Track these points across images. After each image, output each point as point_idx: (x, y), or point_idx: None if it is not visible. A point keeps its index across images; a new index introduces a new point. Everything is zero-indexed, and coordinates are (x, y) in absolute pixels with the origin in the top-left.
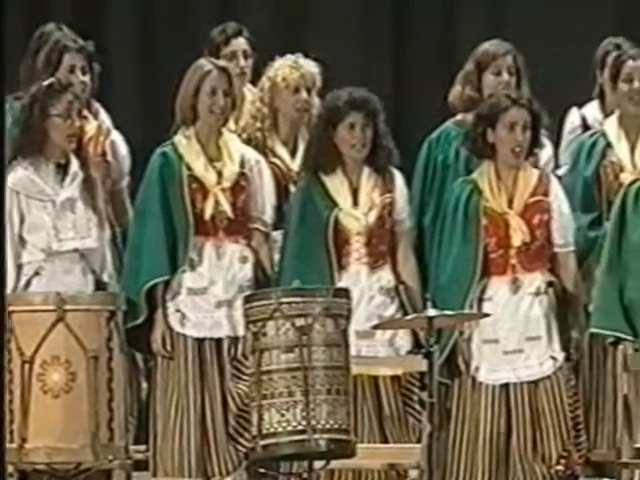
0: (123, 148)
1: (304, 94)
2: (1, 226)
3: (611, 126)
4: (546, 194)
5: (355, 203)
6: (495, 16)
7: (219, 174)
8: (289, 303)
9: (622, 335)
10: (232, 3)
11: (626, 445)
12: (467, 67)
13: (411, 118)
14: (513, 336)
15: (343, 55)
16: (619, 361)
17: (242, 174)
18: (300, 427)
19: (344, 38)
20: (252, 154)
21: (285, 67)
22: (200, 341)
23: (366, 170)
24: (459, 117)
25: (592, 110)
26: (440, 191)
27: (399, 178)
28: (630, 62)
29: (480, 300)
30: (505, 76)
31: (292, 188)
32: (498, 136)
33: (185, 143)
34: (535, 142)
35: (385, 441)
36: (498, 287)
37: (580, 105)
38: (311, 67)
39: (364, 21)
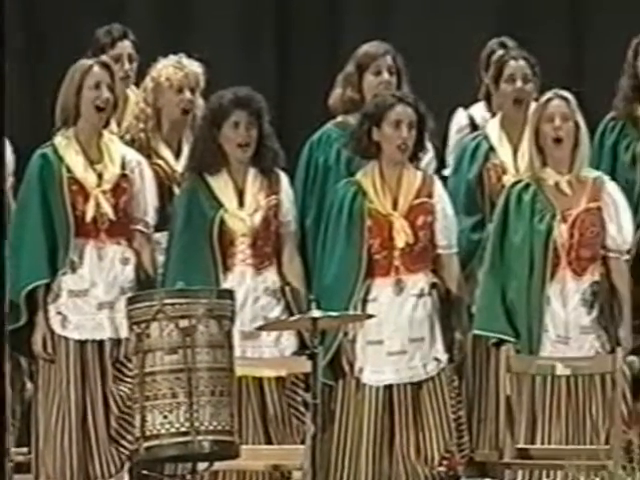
0: (7, 149)
1: (188, 94)
2: (1, 226)
3: (493, 128)
4: (430, 196)
5: (241, 204)
6: (380, 18)
7: (99, 176)
8: (172, 304)
9: (504, 337)
10: (115, 3)
11: (508, 446)
12: (347, 69)
13: (295, 119)
14: (397, 337)
15: (227, 55)
16: (502, 362)
17: (123, 176)
18: (183, 429)
19: (227, 39)
20: (133, 155)
21: (168, 67)
22: (82, 343)
23: (252, 171)
24: (340, 119)
25: (479, 110)
26: (321, 193)
27: (284, 179)
28: (512, 62)
29: (364, 301)
30: (385, 76)
31: (176, 189)
32: (384, 134)
33: (65, 144)
34: (420, 144)
35: (269, 442)
36: (382, 288)
37: (466, 106)
38: (195, 67)
39: (248, 22)
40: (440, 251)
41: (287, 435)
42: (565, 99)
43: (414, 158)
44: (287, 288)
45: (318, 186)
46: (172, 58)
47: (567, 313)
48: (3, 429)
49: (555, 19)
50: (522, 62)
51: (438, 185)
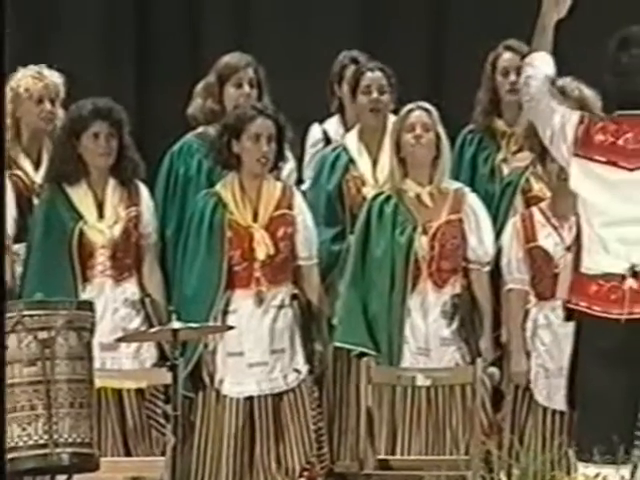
0: None
1: (48, 105)
2: (1, 226)
3: (352, 140)
4: (290, 207)
5: (100, 216)
6: (239, 30)
7: None
8: (31, 316)
9: (365, 349)
10: None
11: (369, 456)
12: (208, 79)
13: (155, 130)
14: (257, 349)
15: (86, 66)
16: (363, 373)
17: None
18: (42, 441)
19: (87, 50)
20: None
21: (28, 77)
22: None
23: (111, 182)
24: (201, 129)
25: (333, 125)
26: (182, 203)
27: (144, 191)
28: (368, 74)
29: (225, 313)
30: (246, 88)
31: (35, 200)
32: (243, 147)
33: None
34: (280, 155)
35: (129, 454)
36: (243, 300)
37: (321, 121)
38: (55, 78)
39: (107, 33)
40: (301, 262)
41: (147, 447)
42: (426, 110)
43: (274, 168)
44: (147, 300)
45: (179, 197)
46: (32, 68)
47: (427, 325)
48: (2, 431)
49: (414, 33)
50: (378, 73)
51: (298, 196)
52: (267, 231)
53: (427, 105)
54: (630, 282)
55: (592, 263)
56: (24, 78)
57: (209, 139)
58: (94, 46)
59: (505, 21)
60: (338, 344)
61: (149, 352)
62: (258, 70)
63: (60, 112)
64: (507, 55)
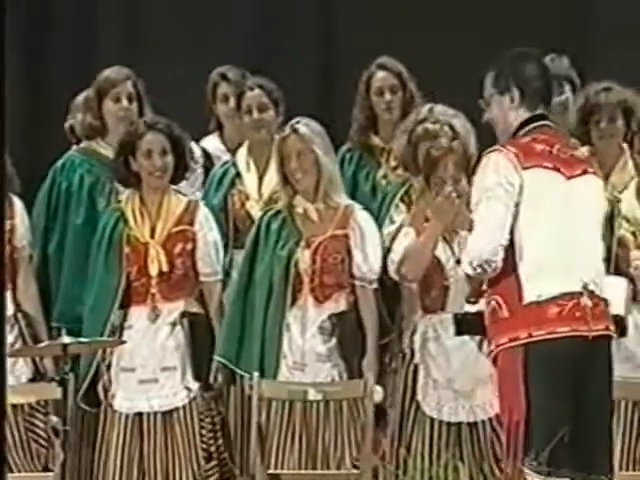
0: None
1: None
2: (1, 227)
3: (241, 155)
4: (192, 223)
5: None
6: (131, 42)
7: None
8: None
9: (233, 367)
10: None
11: (259, 470)
12: (88, 94)
13: (39, 145)
14: (149, 365)
15: None
16: (254, 388)
17: None
18: None
19: None
20: None
21: None
22: None
23: None
24: (84, 144)
25: (211, 142)
26: (64, 218)
27: (18, 204)
28: (248, 93)
29: (121, 328)
30: (124, 102)
31: None
32: (139, 163)
33: None
34: (183, 167)
35: (10, 470)
36: (138, 315)
37: (197, 139)
38: None
39: None
40: (202, 279)
41: (28, 462)
42: (299, 134)
43: (178, 180)
44: (19, 314)
45: (61, 212)
46: None
47: (305, 340)
48: (2, 431)
49: (303, 51)
50: (257, 91)
51: (202, 212)
52: (163, 247)
53: (302, 126)
54: (586, 300)
55: (541, 289)
56: None
57: (93, 154)
58: None
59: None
60: (217, 358)
61: (24, 368)
62: (137, 84)
63: None
64: (380, 74)
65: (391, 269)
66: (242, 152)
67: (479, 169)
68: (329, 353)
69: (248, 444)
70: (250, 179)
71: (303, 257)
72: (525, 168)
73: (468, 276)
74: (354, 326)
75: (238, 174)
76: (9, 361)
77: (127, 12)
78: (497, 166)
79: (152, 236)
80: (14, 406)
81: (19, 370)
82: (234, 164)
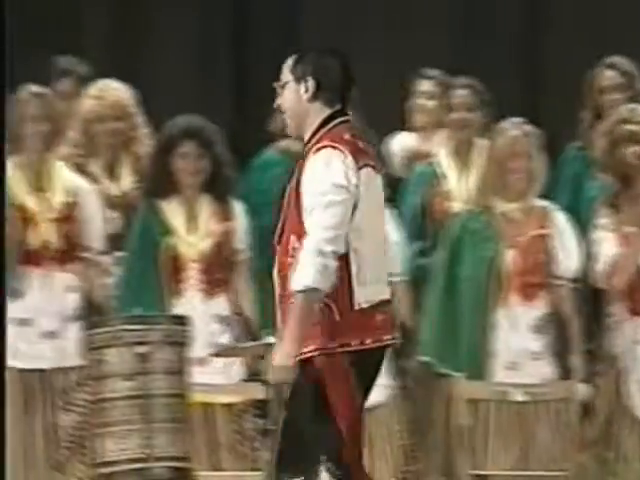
0: None
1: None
2: (1, 227)
3: (443, 155)
4: None
5: (191, 230)
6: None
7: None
8: (129, 330)
9: (447, 370)
10: None
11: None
12: None
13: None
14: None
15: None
16: (456, 390)
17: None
18: (139, 455)
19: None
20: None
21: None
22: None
23: (205, 198)
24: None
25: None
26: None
27: (238, 207)
28: (458, 91)
29: None
30: None
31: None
32: None
33: None
34: None
35: (219, 469)
36: None
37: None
38: (121, 93)
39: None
40: None
41: (237, 462)
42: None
43: None
44: (236, 316)
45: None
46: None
47: (518, 339)
48: (2, 432)
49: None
50: (466, 91)
51: None
52: None
53: (529, 129)
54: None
55: (368, 295)
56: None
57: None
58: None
59: None
60: (422, 358)
61: (238, 367)
62: None
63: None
64: (608, 73)
65: (599, 277)
66: (444, 152)
67: None
68: (542, 351)
69: (450, 444)
70: (452, 178)
71: (508, 257)
72: None
73: None
74: (561, 325)
75: (439, 173)
76: (222, 361)
77: None
78: None
79: None
80: (224, 405)
81: (233, 370)
82: (436, 163)
